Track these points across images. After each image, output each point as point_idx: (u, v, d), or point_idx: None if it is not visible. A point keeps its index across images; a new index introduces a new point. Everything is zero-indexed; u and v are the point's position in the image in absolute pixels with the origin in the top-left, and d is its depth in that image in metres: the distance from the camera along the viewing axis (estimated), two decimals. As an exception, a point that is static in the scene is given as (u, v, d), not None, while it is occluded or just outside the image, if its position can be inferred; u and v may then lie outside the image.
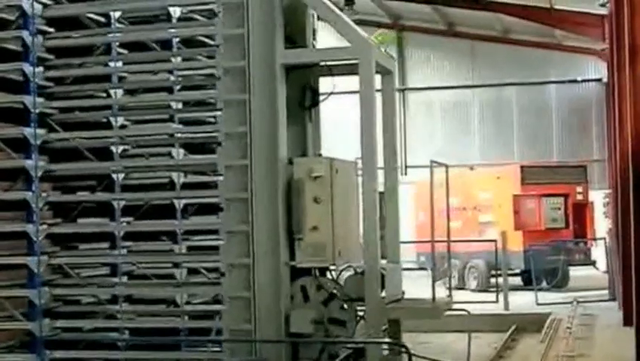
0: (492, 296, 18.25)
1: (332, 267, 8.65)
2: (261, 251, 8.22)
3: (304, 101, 8.71)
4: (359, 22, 31.89)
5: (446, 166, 10.47)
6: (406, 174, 32.12)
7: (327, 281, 8.51)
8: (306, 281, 8.42)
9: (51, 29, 10.48)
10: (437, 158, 31.35)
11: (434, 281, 9.37)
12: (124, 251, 10.71)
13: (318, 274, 8.53)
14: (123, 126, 10.76)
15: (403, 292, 9.00)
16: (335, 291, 8.44)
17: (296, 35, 8.64)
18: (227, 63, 8.42)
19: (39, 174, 9.83)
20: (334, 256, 8.28)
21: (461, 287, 22.37)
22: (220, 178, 8.83)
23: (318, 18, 9.22)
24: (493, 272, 20.74)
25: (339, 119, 21.81)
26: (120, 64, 10.69)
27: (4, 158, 9.97)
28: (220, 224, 8.87)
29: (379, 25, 33.51)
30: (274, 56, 8.21)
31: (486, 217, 22.82)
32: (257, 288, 8.27)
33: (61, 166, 10.29)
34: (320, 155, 8.77)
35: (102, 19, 10.81)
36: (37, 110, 9.89)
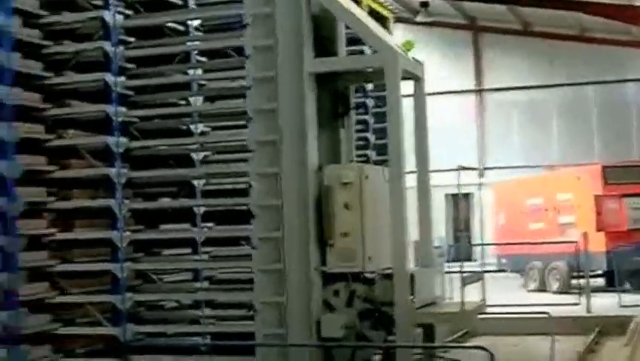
0: (573, 298, 18.04)
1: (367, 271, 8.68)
2: (293, 257, 8.28)
3: (336, 108, 8.76)
4: (434, 24, 32.04)
5: (478, 170, 10.36)
6: (483, 175, 31.92)
7: (359, 286, 8.56)
8: (339, 286, 8.48)
9: (131, 39, 10.70)
10: (515, 159, 31.11)
11: (463, 284, 9.28)
12: (205, 256, 10.84)
13: (350, 278, 8.58)
14: (203, 133, 10.91)
15: (438, 296, 9.01)
16: (367, 295, 8.49)
17: (326, 43, 8.67)
18: (257, 73, 8.46)
19: (122, 181, 9.98)
20: (365, 262, 8.35)
21: (543, 289, 22.16)
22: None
23: (346, 27, 9.23)
24: (575, 274, 20.49)
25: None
26: (199, 71, 10.83)
27: (87, 166, 10.15)
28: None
29: (455, 26, 33.44)
30: (302, 65, 8.25)
31: (566, 218, 22.53)
32: (289, 293, 8.33)
33: (143, 174, 10.45)
34: (352, 161, 8.79)
35: (181, 28, 10.99)
36: (119, 119, 10.04)
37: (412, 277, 8.34)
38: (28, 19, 9.47)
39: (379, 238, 8.39)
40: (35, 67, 9.84)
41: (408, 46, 8.77)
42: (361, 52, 11.43)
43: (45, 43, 10.07)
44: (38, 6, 10.02)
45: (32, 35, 9.84)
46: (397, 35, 18.33)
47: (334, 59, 8.61)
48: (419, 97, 9.05)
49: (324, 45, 8.66)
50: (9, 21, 8.82)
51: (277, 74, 8.32)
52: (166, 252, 11.09)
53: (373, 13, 17.00)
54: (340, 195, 8.23)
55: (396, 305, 8.27)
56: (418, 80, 8.95)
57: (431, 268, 9.01)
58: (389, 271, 8.43)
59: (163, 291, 10.75)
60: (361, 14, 8.86)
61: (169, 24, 10.87)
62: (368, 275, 8.57)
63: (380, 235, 8.38)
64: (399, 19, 18.61)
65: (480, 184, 30.06)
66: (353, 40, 10.43)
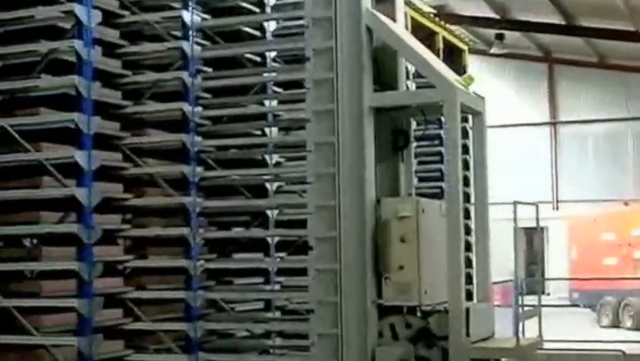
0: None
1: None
2: (349, 289, 8.29)
3: (396, 142, 8.77)
4: (509, 56, 31.95)
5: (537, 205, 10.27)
6: (557, 208, 31.62)
7: (415, 319, 8.55)
8: (395, 319, 8.48)
9: (208, 69, 10.84)
10: (589, 192, 30.90)
11: (516, 319, 9.17)
12: (277, 286, 10.88)
13: (406, 311, 8.57)
14: (277, 164, 10.97)
15: (494, 331, 8.92)
16: (423, 329, 8.47)
17: (387, 77, 8.69)
18: (317, 106, 8.50)
19: (197, 210, 10.08)
20: (420, 295, 8.32)
21: (616, 325, 21.84)
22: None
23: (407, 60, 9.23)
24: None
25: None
26: (274, 102, 10.92)
27: (162, 195, 10.27)
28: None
29: (529, 58, 33.25)
30: (362, 99, 8.28)
31: (641, 254, 22.24)
32: (345, 325, 8.33)
33: (217, 203, 10.54)
34: (411, 195, 8.79)
35: (258, 59, 11.10)
36: (195, 149, 10.16)
37: (467, 311, 8.32)
38: (109, 49, 9.61)
39: (436, 272, 8.38)
40: (114, 96, 10.02)
41: (468, 80, 8.75)
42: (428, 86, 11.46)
43: (124, 72, 10.27)
44: (118, 36, 10.24)
45: (112, 65, 10.03)
46: (472, 67, 18.32)
47: (393, 94, 8.64)
48: (479, 132, 9.02)
49: (385, 78, 8.69)
50: (90, 51, 8.96)
51: (337, 107, 8.36)
52: (238, 281, 11.16)
53: (450, 46, 17.09)
54: (397, 229, 8.26)
55: (451, 339, 8.25)
56: (478, 114, 8.93)
57: (487, 303, 8.95)
58: (445, 305, 8.41)
59: (234, 320, 10.80)
60: (421, 48, 8.86)
61: (246, 55, 10.99)
62: (424, 309, 8.57)
63: (436, 269, 8.38)
64: (474, 51, 18.60)
65: (554, 218, 29.76)
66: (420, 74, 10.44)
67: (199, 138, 10.25)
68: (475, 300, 9.16)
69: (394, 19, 8.67)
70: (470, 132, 9.03)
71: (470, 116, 9.07)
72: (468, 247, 16.74)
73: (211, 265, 10.48)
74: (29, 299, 8.95)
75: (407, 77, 9.01)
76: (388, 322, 8.47)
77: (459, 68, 17.66)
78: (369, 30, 8.41)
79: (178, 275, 10.27)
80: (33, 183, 9.12)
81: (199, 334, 9.98)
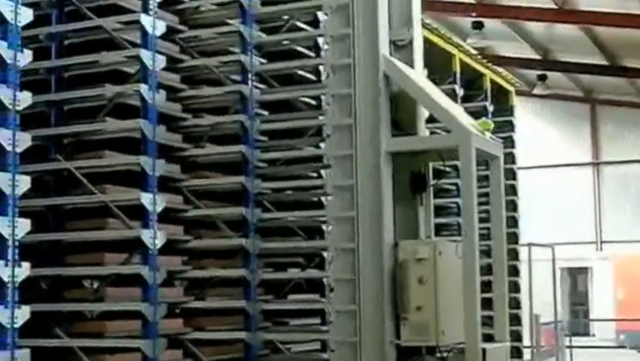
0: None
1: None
2: (368, 330, 8.36)
3: (415, 185, 8.86)
4: (551, 97, 31.94)
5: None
6: (601, 249, 31.47)
7: (433, 359, 8.60)
8: (413, 360, 8.53)
9: (264, 112, 11.00)
10: (633, 232, 30.60)
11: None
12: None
13: (425, 352, 8.62)
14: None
15: None
16: None
17: (406, 122, 8.78)
18: (336, 151, 8.62)
19: (256, 252, 10.20)
20: (438, 336, 8.37)
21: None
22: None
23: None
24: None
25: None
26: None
27: (221, 237, 10.40)
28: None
29: (571, 98, 33.26)
30: (380, 144, 8.38)
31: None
32: None
33: (276, 245, 10.65)
34: (429, 237, 8.87)
35: (313, 102, 11.26)
36: (254, 191, 10.29)
37: (484, 352, 8.38)
38: (169, 93, 9.79)
39: (453, 313, 8.46)
40: (174, 139, 10.19)
41: (484, 125, 8.83)
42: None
43: (184, 116, 10.45)
44: (178, 80, 10.43)
45: (173, 108, 10.21)
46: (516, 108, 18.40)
47: (410, 139, 8.75)
48: (495, 176, 9.10)
49: (404, 123, 8.80)
50: (155, 95, 9.13)
51: (355, 152, 8.48)
52: (294, 322, 11.24)
53: (497, 87, 17.19)
54: (415, 271, 8.38)
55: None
56: (495, 159, 9.01)
57: (504, 343, 8.99)
58: (462, 346, 8.47)
59: (290, 361, 10.86)
60: (438, 94, 8.97)
61: (302, 98, 11.15)
62: (442, 349, 8.64)
63: (454, 310, 8.45)
64: (516, 92, 18.74)
65: (598, 258, 29.61)
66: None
67: (257, 181, 10.38)
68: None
69: (412, 66, 8.79)
70: (492, 176, 9.06)
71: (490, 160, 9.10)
72: (516, 288, 16.82)
73: (269, 306, 10.57)
74: (94, 339, 9.05)
75: (428, 122, 9.09)
76: None
77: (506, 109, 17.79)
78: (386, 77, 8.53)
79: (235, 316, 10.37)
80: (98, 225, 9.27)
81: (258, 374, 10.06)
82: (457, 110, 9.09)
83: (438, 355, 8.58)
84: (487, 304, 8.89)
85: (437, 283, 8.31)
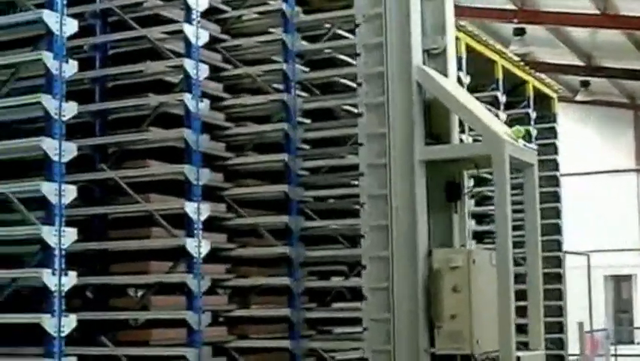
0: None
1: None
2: (402, 338, 8.34)
3: (449, 194, 8.83)
4: (594, 103, 31.72)
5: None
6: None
7: None
8: None
9: (306, 120, 11.03)
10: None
11: None
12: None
13: (459, 360, 8.59)
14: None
15: None
16: None
17: (439, 130, 8.75)
18: (369, 160, 8.59)
19: (300, 260, 10.22)
20: (472, 344, 8.32)
21: None
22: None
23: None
24: None
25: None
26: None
27: (262, 245, 10.44)
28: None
29: (615, 104, 33.01)
30: (413, 152, 8.36)
31: None
32: None
33: (318, 253, 10.67)
34: (464, 246, 8.83)
35: (355, 110, 11.24)
36: (297, 199, 10.32)
37: (518, 360, 8.33)
38: (212, 102, 9.81)
39: (487, 321, 8.42)
40: (217, 148, 10.24)
41: (518, 133, 8.77)
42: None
43: (227, 125, 10.50)
44: (221, 89, 10.48)
45: (216, 117, 10.27)
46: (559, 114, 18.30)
47: (443, 147, 8.73)
48: (529, 184, 9.05)
49: (437, 131, 8.77)
50: (199, 104, 9.17)
51: (389, 160, 8.47)
52: (337, 330, 11.23)
53: (539, 94, 17.10)
54: (449, 279, 8.36)
55: (502, 388, 8.25)
56: (528, 167, 8.96)
57: (539, 352, 8.93)
58: (497, 354, 8.43)
59: (334, 369, 10.85)
60: (471, 102, 8.93)
61: (343, 106, 11.16)
62: (477, 357, 8.61)
63: (488, 318, 8.42)
64: (559, 98, 18.64)
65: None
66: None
67: (300, 189, 10.41)
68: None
69: (445, 74, 8.76)
70: (527, 184, 9.02)
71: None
72: (560, 296, 16.66)
73: (313, 315, 10.59)
74: (140, 348, 9.11)
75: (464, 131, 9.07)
76: None
77: (549, 116, 17.69)
78: (419, 85, 8.51)
79: (279, 324, 10.40)
80: (143, 234, 9.32)
81: (301, 382, 10.07)
82: (491, 119, 9.05)
83: None
84: (525, 312, 8.85)
85: (471, 291, 8.28)
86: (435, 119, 8.72)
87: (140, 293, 9.95)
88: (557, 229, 17.22)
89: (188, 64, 9.12)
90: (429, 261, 8.43)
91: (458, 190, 8.88)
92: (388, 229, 8.47)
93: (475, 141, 10.58)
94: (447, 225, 8.76)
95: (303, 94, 11.02)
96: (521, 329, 8.61)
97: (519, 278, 8.70)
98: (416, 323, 8.28)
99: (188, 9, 9.25)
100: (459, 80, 13.36)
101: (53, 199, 7.38)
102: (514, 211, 13.77)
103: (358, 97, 10.80)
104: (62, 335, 7.33)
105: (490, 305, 8.32)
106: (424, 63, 8.68)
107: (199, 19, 9.34)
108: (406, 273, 8.36)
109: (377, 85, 8.65)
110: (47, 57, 7.53)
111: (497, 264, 8.28)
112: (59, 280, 7.35)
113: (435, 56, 8.86)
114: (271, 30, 10.92)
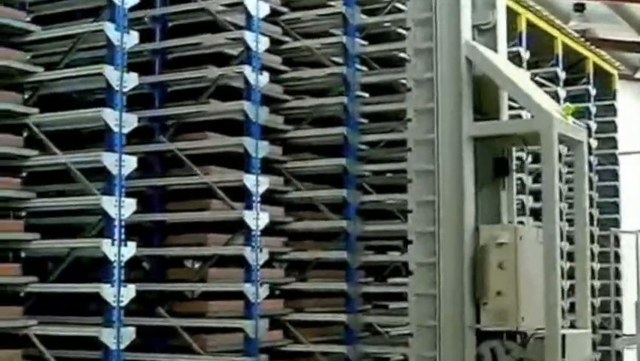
0: None
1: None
2: (447, 314, 8.27)
3: (497, 170, 8.71)
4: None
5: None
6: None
7: (514, 345, 8.47)
8: (495, 343, 8.41)
9: (365, 94, 10.97)
10: None
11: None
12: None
13: (505, 337, 8.50)
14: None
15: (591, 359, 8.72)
16: (520, 355, 8.37)
17: (488, 106, 8.62)
18: (417, 135, 8.50)
19: (356, 234, 10.19)
20: (517, 321, 8.24)
21: None
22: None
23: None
24: None
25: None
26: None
27: (322, 219, 10.43)
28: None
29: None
30: (461, 128, 8.25)
31: None
32: (443, 349, 8.30)
33: (375, 227, 10.63)
34: (511, 222, 8.72)
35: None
36: (354, 173, 10.29)
37: (563, 338, 8.23)
38: (271, 75, 9.78)
39: (533, 299, 8.34)
40: (276, 121, 10.23)
41: (568, 110, 8.64)
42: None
43: (286, 98, 10.48)
44: (280, 62, 10.45)
45: (275, 90, 10.25)
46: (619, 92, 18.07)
47: (491, 123, 8.60)
48: (579, 162, 8.91)
49: (486, 107, 8.66)
50: (258, 77, 9.15)
51: (437, 136, 8.37)
52: (393, 305, 11.20)
53: (599, 70, 16.88)
54: (495, 256, 8.27)
55: (546, 366, 8.17)
56: (578, 144, 8.82)
57: (585, 330, 8.82)
58: (542, 332, 8.35)
59: (389, 344, 10.84)
60: (521, 78, 8.78)
61: (402, 80, 11.08)
62: (522, 335, 8.54)
63: (534, 296, 8.33)
64: (619, 76, 18.37)
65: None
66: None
67: (358, 163, 10.37)
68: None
69: (495, 50, 8.63)
70: (576, 162, 8.90)
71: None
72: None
73: (369, 289, 10.57)
74: (196, 319, 9.14)
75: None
76: (489, 346, 8.46)
77: (609, 93, 17.46)
78: (469, 61, 8.39)
79: (335, 298, 10.40)
80: (201, 206, 9.34)
81: (357, 357, 10.06)
82: (541, 95, 8.93)
83: (518, 340, 8.52)
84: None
85: (517, 268, 8.19)
86: (484, 95, 8.61)
87: (197, 265, 10.00)
88: (615, 208, 17.03)
89: (248, 36, 9.09)
90: (476, 237, 8.36)
91: (506, 166, 8.78)
92: (435, 204, 8.41)
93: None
94: (495, 201, 8.66)
95: (362, 68, 10.96)
96: (573, 308, 8.52)
97: (572, 256, 8.60)
98: (462, 299, 8.22)
99: (249, -19, 9.22)
100: (519, 55, 13.27)
101: (114, 170, 7.42)
102: (570, 189, 13.74)
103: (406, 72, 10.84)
104: (122, 304, 7.39)
105: (536, 282, 8.24)
106: (473, 39, 8.56)
107: (259, -9, 9.31)
108: (452, 249, 8.28)
109: (426, 60, 8.51)
110: (109, 28, 7.55)
111: (543, 241, 8.21)
112: (119, 250, 7.40)
113: (485, 31, 8.72)
114: (331, 3, 10.86)
